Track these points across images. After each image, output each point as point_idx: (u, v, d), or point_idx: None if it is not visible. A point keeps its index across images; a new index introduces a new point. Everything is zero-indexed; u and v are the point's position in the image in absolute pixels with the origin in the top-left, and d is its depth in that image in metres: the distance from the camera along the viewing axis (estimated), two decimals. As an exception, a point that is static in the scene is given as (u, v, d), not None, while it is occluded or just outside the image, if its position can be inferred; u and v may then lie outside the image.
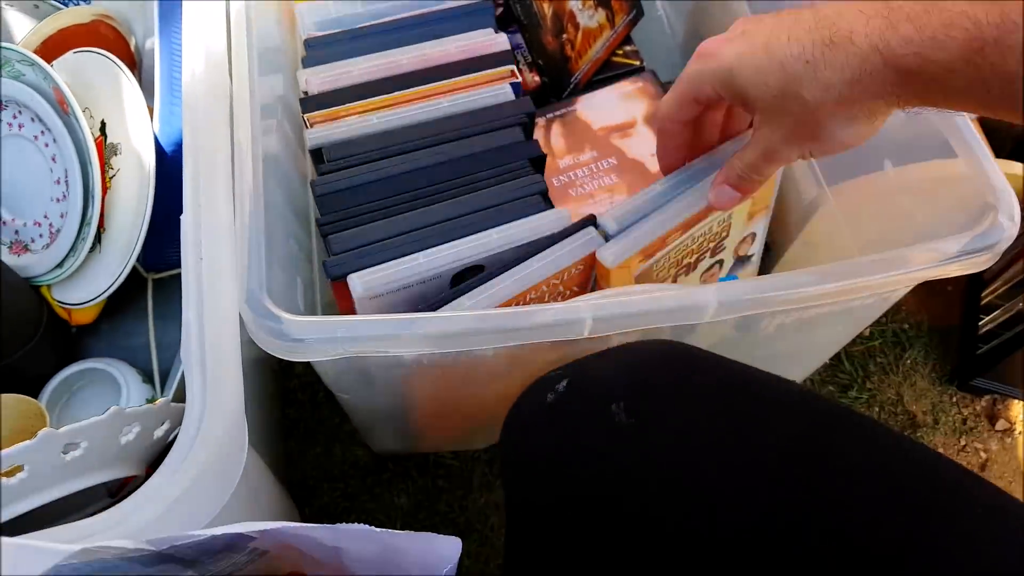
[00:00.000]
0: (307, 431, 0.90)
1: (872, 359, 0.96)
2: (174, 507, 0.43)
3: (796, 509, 0.34)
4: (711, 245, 0.67)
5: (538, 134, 0.79)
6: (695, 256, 0.66)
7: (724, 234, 0.67)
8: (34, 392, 0.74)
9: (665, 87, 0.82)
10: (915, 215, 0.64)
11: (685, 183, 0.58)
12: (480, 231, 0.58)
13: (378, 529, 0.38)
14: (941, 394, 0.95)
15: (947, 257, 0.52)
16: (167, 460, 0.45)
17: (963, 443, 0.92)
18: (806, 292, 0.50)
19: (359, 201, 0.61)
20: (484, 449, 0.89)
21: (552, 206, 0.61)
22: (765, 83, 0.42)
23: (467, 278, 0.58)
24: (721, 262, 0.72)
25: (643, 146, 0.79)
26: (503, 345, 0.51)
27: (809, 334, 0.67)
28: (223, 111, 0.59)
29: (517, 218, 0.60)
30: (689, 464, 0.36)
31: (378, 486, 0.87)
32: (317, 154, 0.63)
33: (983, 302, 0.90)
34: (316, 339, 0.50)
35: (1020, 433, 0.93)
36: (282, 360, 0.92)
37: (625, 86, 0.83)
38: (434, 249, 0.57)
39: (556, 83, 0.83)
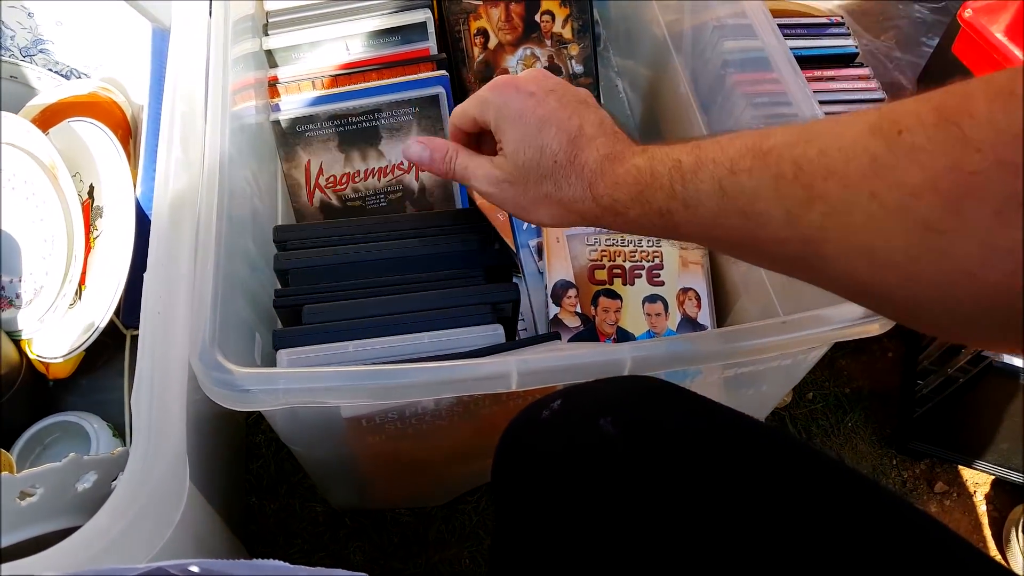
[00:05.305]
0: (269, 486, 0.92)
1: (815, 422, 0.99)
2: (111, 547, 0.45)
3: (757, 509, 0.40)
4: (645, 262, 0.77)
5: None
6: (628, 262, 0.77)
7: (656, 261, 0.78)
8: (7, 444, 0.77)
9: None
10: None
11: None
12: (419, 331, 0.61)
13: (291, 565, 0.41)
14: (881, 457, 0.98)
15: (848, 321, 0.56)
16: (107, 502, 0.47)
17: (904, 505, 0.94)
18: (713, 350, 0.55)
19: (317, 280, 0.65)
20: (441, 507, 0.91)
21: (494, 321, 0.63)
22: (523, 150, 0.52)
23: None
24: (666, 305, 0.78)
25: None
26: (434, 397, 0.55)
27: (738, 390, 0.71)
28: (193, 177, 0.63)
29: (460, 324, 0.62)
30: (665, 469, 0.42)
31: (334, 542, 0.89)
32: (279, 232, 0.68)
33: (919, 367, 0.94)
34: (259, 389, 0.53)
35: (958, 496, 0.96)
36: (248, 415, 0.95)
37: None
38: (365, 340, 0.60)
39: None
